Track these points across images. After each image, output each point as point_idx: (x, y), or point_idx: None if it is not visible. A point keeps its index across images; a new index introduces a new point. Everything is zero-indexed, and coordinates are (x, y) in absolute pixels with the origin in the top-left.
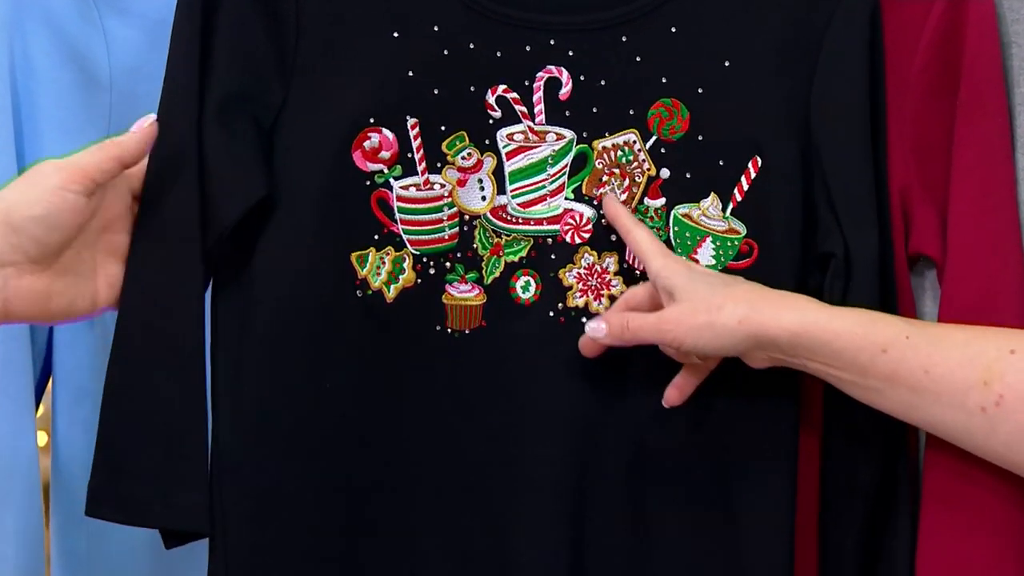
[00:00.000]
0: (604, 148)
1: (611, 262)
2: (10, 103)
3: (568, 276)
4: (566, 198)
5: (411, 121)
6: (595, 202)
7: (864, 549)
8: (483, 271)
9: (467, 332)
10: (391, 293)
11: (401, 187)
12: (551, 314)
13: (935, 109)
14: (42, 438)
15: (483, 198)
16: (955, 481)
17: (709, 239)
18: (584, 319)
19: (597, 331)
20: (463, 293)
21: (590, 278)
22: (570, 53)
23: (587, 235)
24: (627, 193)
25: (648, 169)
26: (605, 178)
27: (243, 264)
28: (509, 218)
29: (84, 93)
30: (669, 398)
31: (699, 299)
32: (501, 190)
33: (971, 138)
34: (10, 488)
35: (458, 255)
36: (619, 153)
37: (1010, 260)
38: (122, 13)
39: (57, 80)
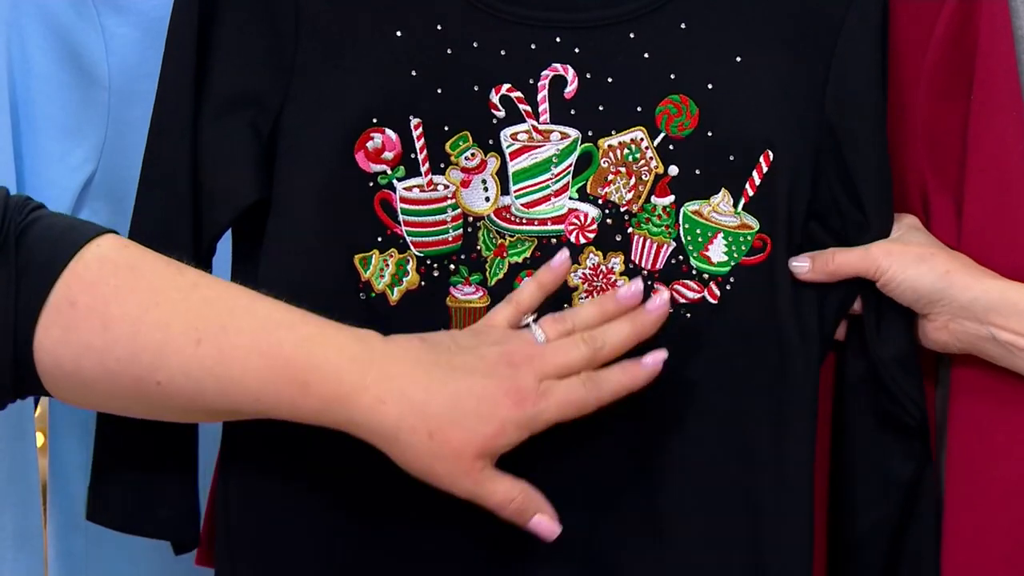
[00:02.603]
0: (610, 146)
1: (617, 262)
2: (8, 101)
3: (573, 277)
4: (570, 198)
5: (414, 121)
6: (600, 201)
7: (887, 551)
8: (487, 273)
9: None
10: (395, 296)
11: (405, 188)
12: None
13: (948, 105)
14: (40, 439)
15: (487, 199)
16: (978, 483)
17: (720, 235)
18: None
19: (800, 268)
20: (467, 295)
21: (596, 279)
22: (576, 50)
23: (592, 235)
24: (633, 192)
25: (656, 167)
26: (611, 177)
27: (245, 267)
28: (513, 219)
29: (82, 92)
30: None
31: (915, 242)
32: (505, 191)
33: (985, 135)
34: (9, 490)
35: (462, 257)
36: (626, 151)
37: None
38: (120, 11)
39: (55, 78)
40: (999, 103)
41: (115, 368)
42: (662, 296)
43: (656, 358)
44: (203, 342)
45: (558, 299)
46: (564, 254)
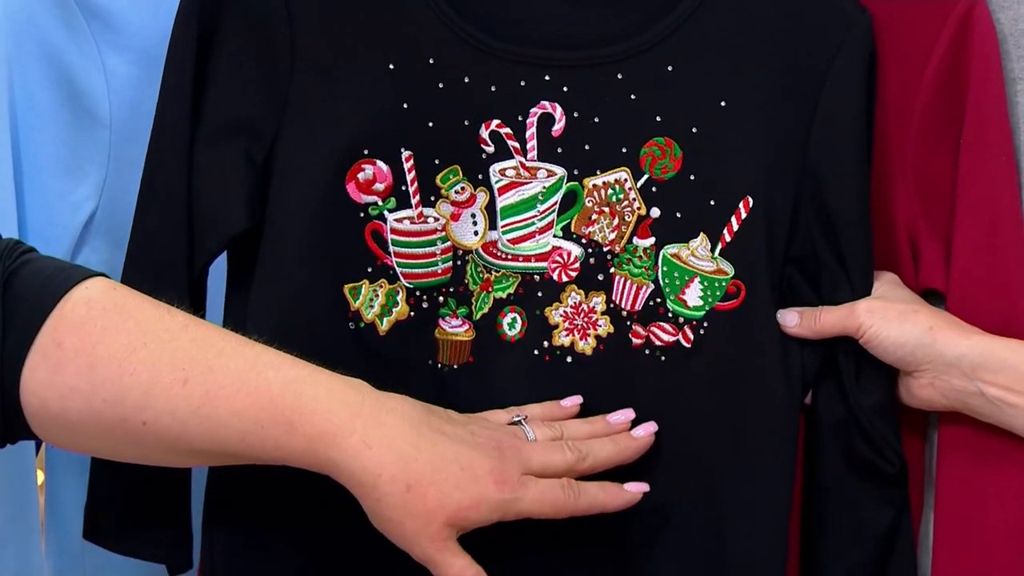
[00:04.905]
0: (595, 186)
1: (598, 301)
2: (9, 139)
3: (554, 314)
4: (555, 235)
5: (405, 153)
6: (583, 240)
7: None
8: (473, 307)
9: (455, 367)
10: (384, 326)
11: (395, 219)
12: (536, 352)
13: (938, 148)
14: (40, 477)
15: (475, 233)
16: (966, 538)
17: (697, 279)
18: (569, 358)
19: (788, 323)
20: (454, 328)
21: (576, 317)
22: (564, 89)
23: (574, 273)
24: (616, 232)
25: (638, 208)
26: (594, 216)
27: (236, 295)
28: (499, 254)
29: (83, 130)
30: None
31: (897, 299)
32: (492, 225)
33: (975, 178)
34: (11, 528)
35: (451, 289)
36: (609, 191)
37: (1019, 302)
38: (122, 49)
39: (56, 116)
40: (989, 146)
41: (101, 409)
42: (649, 427)
43: (637, 487)
44: (190, 381)
45: (540, 333)
46: (577, 400)
